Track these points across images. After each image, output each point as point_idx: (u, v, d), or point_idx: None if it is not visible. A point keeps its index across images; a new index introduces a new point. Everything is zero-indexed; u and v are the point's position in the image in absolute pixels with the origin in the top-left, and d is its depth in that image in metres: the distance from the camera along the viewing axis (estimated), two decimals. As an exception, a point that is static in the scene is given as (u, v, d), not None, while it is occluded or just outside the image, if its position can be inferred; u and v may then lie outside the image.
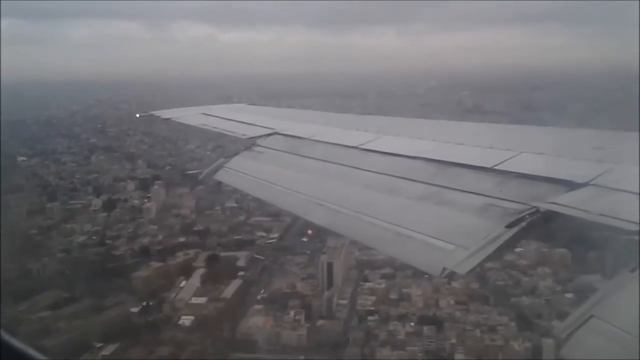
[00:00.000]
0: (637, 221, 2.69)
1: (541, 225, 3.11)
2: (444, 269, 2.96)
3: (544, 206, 3.16)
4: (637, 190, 3.03)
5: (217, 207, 65.20)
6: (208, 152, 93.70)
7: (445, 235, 3.25)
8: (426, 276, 47.09)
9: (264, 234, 56.90)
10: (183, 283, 44.75)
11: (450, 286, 45.28)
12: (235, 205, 65.99)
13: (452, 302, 42.47)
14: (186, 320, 38.46)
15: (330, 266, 43.02)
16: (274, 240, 55.74)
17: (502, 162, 4.03)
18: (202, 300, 41.30)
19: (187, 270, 46.67)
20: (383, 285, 44.18)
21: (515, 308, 42.24)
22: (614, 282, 2.54)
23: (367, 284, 44.75)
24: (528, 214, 3.13)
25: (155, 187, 67.53)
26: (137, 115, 13.07)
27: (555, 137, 5.06)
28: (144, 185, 70.51)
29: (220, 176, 6.09)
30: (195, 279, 45.04)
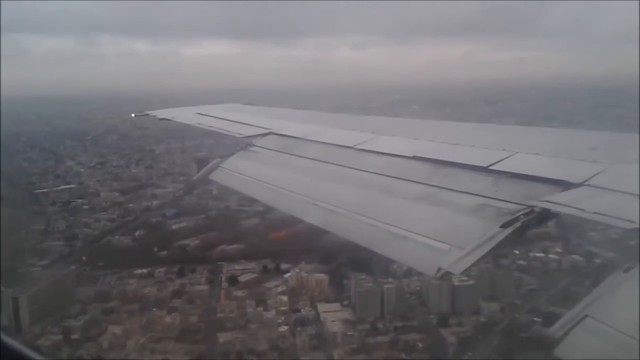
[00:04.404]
0: (633, 220, 2.66)
1: (536, 224, 3.10)
2: (439, 268, 2.94)
3: (538, 206, 3.14)
4: (632, 190, 3.00)
5: (23, 230, 62.78)
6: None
7: (441, 235, 3.23)
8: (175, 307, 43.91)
9: (34, 262, 53.90)
10: None
11: (165, 322, 41.81)
12: (42, 227, 63.81)
13: (143, 340, 38.80)
14: None
15: (15, 301, 39.61)
16: (39, 268, 52.65)
17: (497, 162, 3.99)
18: None
19: None
20: (81, 322, 40.66)
21: (212, 345, 38.49)
22: (609, 281, 2.51)
23: (68, 321, 41.19)
24: (523, 214, 3.11)
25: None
26: (133, 115, 12.36)
27: (551, 138, 5.03)
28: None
29: (216, 176, 6.06)
30: None
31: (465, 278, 43.92)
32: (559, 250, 51.39)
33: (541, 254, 50.52)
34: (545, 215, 3.08)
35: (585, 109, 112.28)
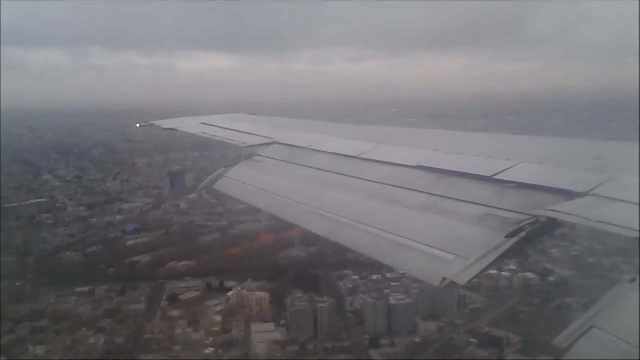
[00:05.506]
0: (637, 229, 2.65)
1: (541, 234, 3.07)
2: (444, 279, 2.93)
3: (543, 215, 3.13)
4: (637, 200, 2.97)
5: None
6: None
7: (445, 245, 3.22)
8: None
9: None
10: None
11: (89, 342, 40.41)
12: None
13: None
14: None
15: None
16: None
17: (501, 172, 3.96)
18: None
19: None
20: (6, 341, 39.38)
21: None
22: (614, 292, 2.50)
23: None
24: (528, 224, 3.09)
25: None
26: (138, 126, 12.20)
27: (555, 147, 5.01)
28: None
29: (220, 186, 6.07)
30: None
31: (403, 297, 42.37)
32: (513, 267, 49.40)
33: (494, 271, 48.53)
34: (550, 225, 3.06)
35: (581, 122, 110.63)
